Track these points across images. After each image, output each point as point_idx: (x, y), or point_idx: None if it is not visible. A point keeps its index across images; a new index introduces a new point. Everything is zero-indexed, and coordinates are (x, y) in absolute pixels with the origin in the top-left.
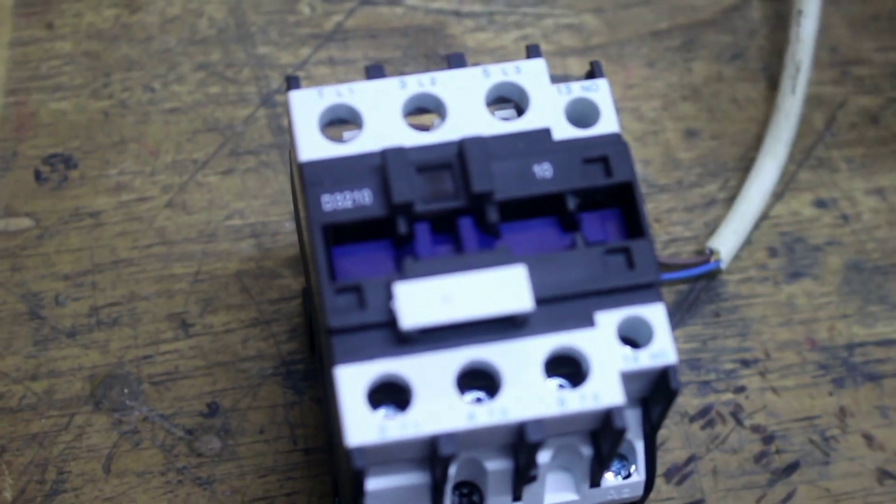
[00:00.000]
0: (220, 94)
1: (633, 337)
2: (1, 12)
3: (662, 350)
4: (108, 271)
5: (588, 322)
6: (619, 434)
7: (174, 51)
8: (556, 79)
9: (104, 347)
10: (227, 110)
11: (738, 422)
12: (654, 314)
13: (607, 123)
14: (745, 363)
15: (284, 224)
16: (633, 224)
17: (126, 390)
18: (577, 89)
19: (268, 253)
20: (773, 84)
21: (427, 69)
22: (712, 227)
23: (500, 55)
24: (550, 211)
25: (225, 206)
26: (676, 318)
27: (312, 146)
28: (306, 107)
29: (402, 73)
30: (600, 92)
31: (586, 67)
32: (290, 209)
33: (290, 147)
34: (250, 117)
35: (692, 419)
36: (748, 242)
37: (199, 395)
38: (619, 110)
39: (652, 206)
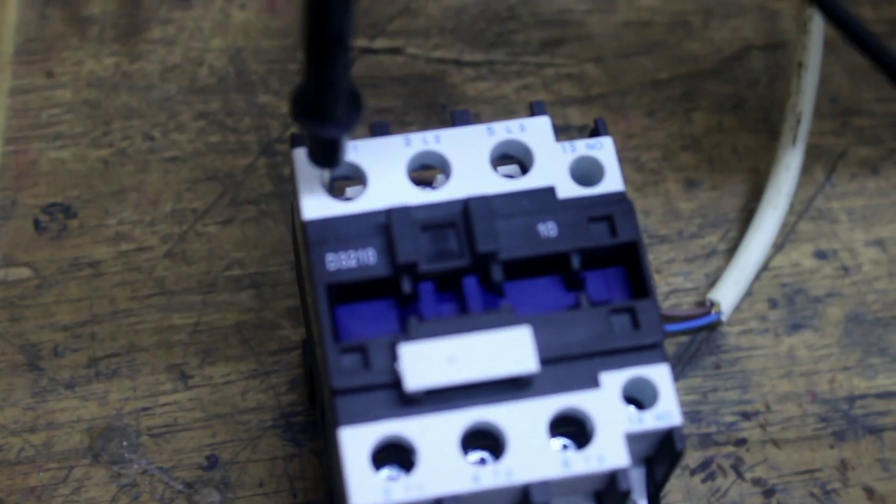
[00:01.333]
0: (220, 142)
1: (637, 397)
2: (0, 60)
3: (667, 411)
4: (107, 322)
5: (593, 383)
6: (624, 496)
7: (174, 99)
8: (556, 129)
9: (103, 399)
10: (227, 159)
11: (739, 475)
12: (659, 375)
13: (612, 182)
14: (746, 415)
15: (284, 274)
16: (638, 283)
17: (125, 443)
18: (582, 147)
19: (267, 303)
20: (773, 134)
21: (428, 118)
22: (713, 279)
23: (501, 104)
24: (555, 270)
25: (224, 256)
26: (677, 370)
27: (316, 204)
28: (310, 165)
29: (402, 122)
30: (605, 150)
31: (587, 117)
32: (289, 259)
33: (293, 202)
34: (250, 166)
35: (693, 472)
36: (748, 294)
37: (199, 448)
38: (619, 160)
39: (652, 257)
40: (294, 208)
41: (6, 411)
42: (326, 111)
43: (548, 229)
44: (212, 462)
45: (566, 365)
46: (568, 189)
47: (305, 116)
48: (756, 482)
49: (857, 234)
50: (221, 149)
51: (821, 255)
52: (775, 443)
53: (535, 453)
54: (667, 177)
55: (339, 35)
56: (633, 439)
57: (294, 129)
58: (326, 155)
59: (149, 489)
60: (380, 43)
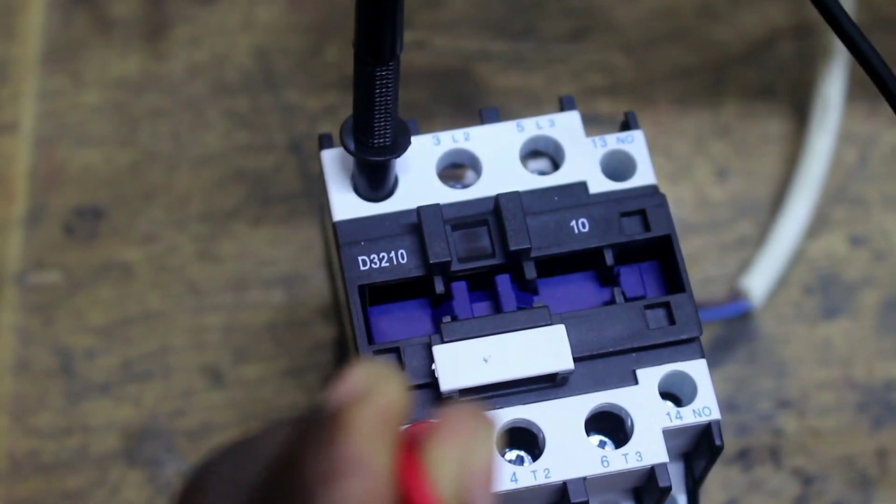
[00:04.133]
0: (247, 141)
1: (675, 393)
2: (27, 64)
3: (706, 406)
4: (139, 323)
5: (629, 379)
6: (664, 492)
7: (201, 99)
8: (584, 119)
9: (137, 401)
10: (255, 158)
11: (778, 464)
12: (697, 370)
13: (644, 176)
14: (783, 404)
15: (315, 272)
16: (673, 277)
17: (160, 444)
18: (613, 142)
19: (299, 302)
20: (803, 120)
21: (455, 111)
22: (746, 267)
23: (528, 95)
24: (588, 266)
25: (255, 255)
26: (712, 359)
27: (347, 205)
28: (340, 165)
29: (430, 115)
30: (636, 144)
31: (615, 106)
32: (319, 257)
33: (323, 203)
34: (278, 165)
35: (730, 463)
36: (783, 281)
37: None
38: (649, 150)
39: (684, 246)
40: (324, 209)
41: (41, 415)
42: (375, 131)
43: (580, 225)
44: None
45: (602, 362)
46: (599, 184)
47: (353, 136)
48: (794, 471)
49: (890, 218)
50: (249, 147)
51: (855, 240)
52: (813, 431)
53: (572, 451)
54: (697, 165)
55: (395, 47)
56: (671, 435)
57: (323, 129)
58: (377, 182)
59: None
60: (406, 36)
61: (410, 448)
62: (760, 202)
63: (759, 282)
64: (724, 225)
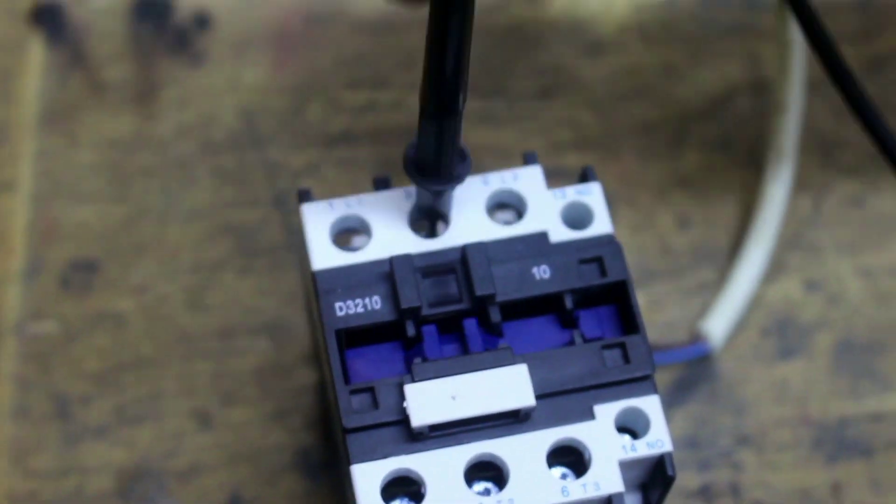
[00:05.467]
0: (234, 197)
1: (630, 427)
2: (25, 126)
3: (659, 439)
4: (132, 370)
5: (588, 415)
6: None
7: (189, 157)
8: (550, 173)
9: (130, 444)
10: (241, 212)
11: (737, 498)
12: (650, 405)
13: (601, 225)
14: (742, 440)
15: (298, 320)
16: (628, 320)
17: (152, 484)
18: (572, 193)
19: (283, 349)
20: (759, 171)
21: None
22: (707, 311)
23: (499, 150)
24: (549, 309)
25: (241, 305)
26: (674, 398)
27: (325, 256)
28: (318, 218)
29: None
30: (593, 195)
31: (582, 160)
32: (302, 306)
33: (303, 254)
34: (263, 219)
35: (692, 496)
36: (741, 324)
37: (222, 487)
38: (614, 200)
39: (648, 291)
40: (303, 259)
41: (39, 457)
42: (443, 170)
43: (541, 272)
44: (235, 500)
45: (562, 398)
46: (560, 233)
47: (421, 176)
48: (755, 503)
49: (843, 263)
50: (235, 203)
51: (810, 285)
52: (771, 466)
53: (535, 482)
54: (660, 214)
55: (458, 102)
56: (628, 466)
57: (305, 184)
58: (431, 213)
59: None
60: (384, 96)
61: None
62: (719, 249)
63: (718, 325)
64: (686, 271)
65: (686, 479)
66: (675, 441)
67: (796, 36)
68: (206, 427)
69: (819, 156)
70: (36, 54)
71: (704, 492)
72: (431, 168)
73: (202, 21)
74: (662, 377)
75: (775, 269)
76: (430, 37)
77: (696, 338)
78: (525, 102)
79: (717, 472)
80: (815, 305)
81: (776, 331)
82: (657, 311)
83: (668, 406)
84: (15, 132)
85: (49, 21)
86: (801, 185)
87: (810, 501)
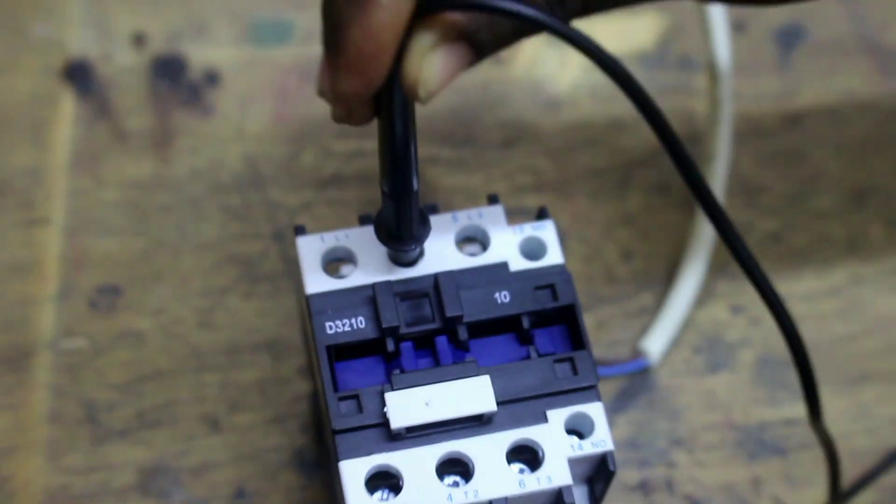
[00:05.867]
0: (239, 231)
1: (578, 429)
2: (57, 169)
3: (602, 440)
4: (150, 381)
5: (541, 418)
6: None
7: (200, 196)
8: (512, 212)
9: (149, 444)
10: (245, 245)
11: (671, 491)
12: (595, 411)
13: (553, 257)
14: (676, 442)
15: (295, 338)
16: (576, 338)
17: (168, 479)
18: (529, 229)
19: (282, 363)
20: (692, 211)
21: None
22: (646, 331)
23: (469, 192)
24: (509, 329)
25: (245, 325)
26: (618, 406)
27: (317, 282)
28: (311, 250)
29: None
30: (547, 231)
31: (539, 201)
32: (298, 326)
33: (298, 281)
34: (264, 250)
35: (633, 490)
36: (675, 343)
37: (229, 482)
38: (567, 235)
39: (596, 314)
40: (298, 285)
41: (70, 456)
42: (404, 236)
43: (502, 296)
44: (240, 493)
45: (519, 405)
46: (518, 263)
47: (389, 239)
48: (685, 497)
49: None
50: (240, 236)
51: (735, 309)
52: (700, 464)
53: (496, 476)
54: (607, 248)
55: (411, 186)
56: (575, 463)
57: (301, 221)
58: (406, 260)
59: None
60: (368, 145)
61: None
62: (657, 278)
63: (656, 343)
64: (628, 297)
65: (627, 476)
66: (617, 442)
67: (725, 94)
68: (215, 430)
69: (743, 198)
70: (67, 106)
71: (643, 486)
72: (395, 234)
73: (212, 78)
74: (608, 387)
75: (705, 295)
76: (380, 139)
77: (637, 354)
78: (491, 151)
79: (653, 470)
80: (739, 326)
81: (706, 348)
82: (604, 331)
83: (612, 413)
84: (49, 174)
85: (79, 77)
86: None
87: (733, 494)
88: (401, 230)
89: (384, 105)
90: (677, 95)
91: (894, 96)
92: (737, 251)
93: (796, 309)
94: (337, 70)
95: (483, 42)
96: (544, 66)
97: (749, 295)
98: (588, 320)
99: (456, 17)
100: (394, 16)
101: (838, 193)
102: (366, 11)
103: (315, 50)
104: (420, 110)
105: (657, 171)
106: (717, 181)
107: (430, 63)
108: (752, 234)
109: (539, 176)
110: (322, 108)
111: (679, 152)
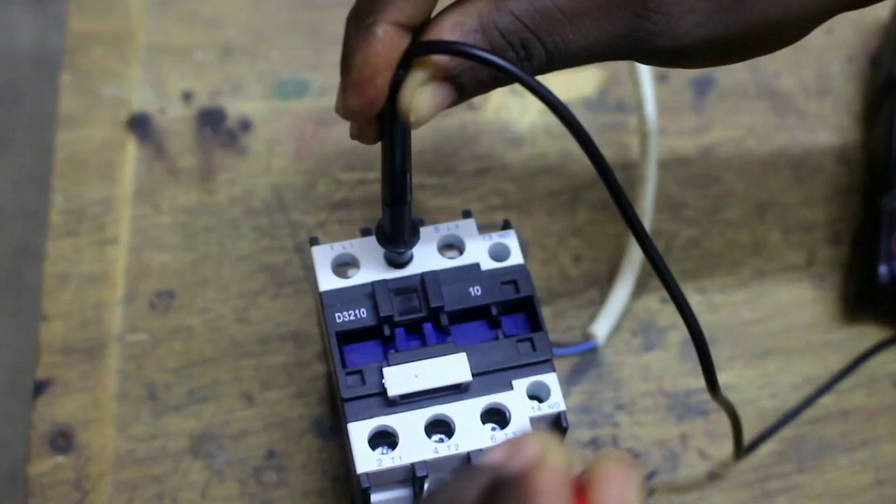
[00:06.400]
0: (268, 245)
1: (537, 395)
2: (124, 199)
3: (556, 402)
4: (198, 366)
5: (508, 387)
6: None
7: (237, 219)
8: (485, 225)
9: (198, 416)
10: (273, 256)
11: (616, 446)
12: (550, 380)
13: (515, 258)
14: (619, 407)
15: (313, 330)
16: (534, 322)
17: (213, 444)
18: (496, 237)
19: (303, 349)
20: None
21: None
22: (594, 319)
23: (450, 211)
24: (481, 316)
25: (274, 320)
26: (572, 379)
27: (328, 281)
28: (324, 256)
29: None
30: (510, 238)
31: (506, 217)
32: (315, 319)
33: (313, 281)
34: (288, 260)
35: (585, 446)
36: (617, 327)
37: (261, 445)
38: (529, 244)
39: (553, 307)
40: (313, 284)
41: (136, 426)
42: (399, 239)
43: (475, 290)
44: (270, 454)
45: (490, 376)
46: (488, 264)
47: (386, 242)
48: (628, 451)
49: (687, 286)
50: (269, 249)
51: (664, 300)
52: (639, 424)
53: (473, 433)
54: (561, 254)
55: (406, 197)
56: (536, 421)
57: (314, 234)
58: (397, 262)
59: (230, 474)
60: (370, 175)
61: (580, 496)
62: (602, 277)
63: (602, 328)
64: (579, 292)
65: (581, 434)
66: (572, 408)
67: (652, 131)
68: (250, 404)
69: (668, 212)
70: (131, 150)
71: (594, 442)
72: (392, 238)
73: (245, 125)
74: (564, 364)
75: (640, 290)
76: (383, 158)
77: (587, 337)
78: (467, 178)
79: (602, 429)
80: (667, 314)
81: (641, 332)
82: (560, 320)
83: (568, 385)
84: (117, 204)
85: (140, 127)
86: (656, 232)
87: (665, 448)
88: (396, 235)
89: (386, 130)
90: (615, 132)
91: (785, 130)
92: (651, 258)
93: (714, 299)
94: (345, 89)
95: (465, 85)
96: (508, 111)
97: None
98: (546, 311)
99: (445, 60)
100: (388, 48)
101: (744, 207)
102: (367, 42)
103: (326, 102)
104: (412, 147)
105: (600, 192)
106: (647, 199)
107: (420, 96)
108: (676, 240)
109: (506, 197)
110: (332, 146)
111: (609, 178)
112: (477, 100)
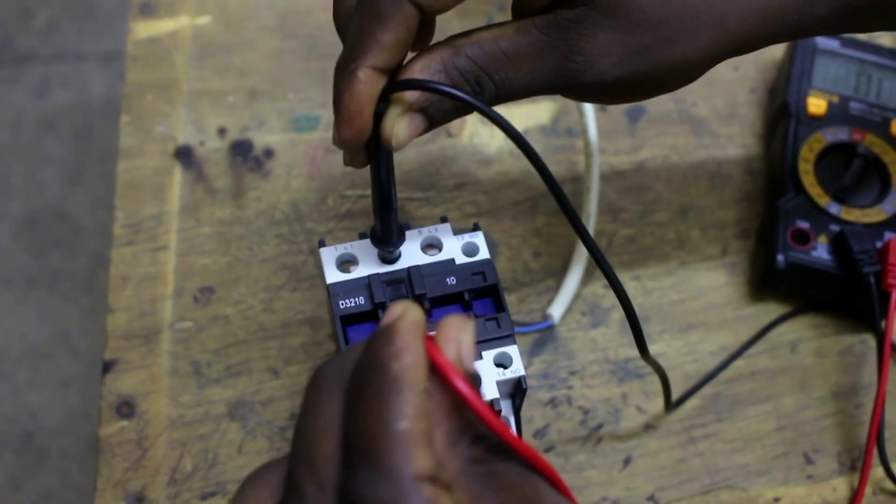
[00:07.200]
0: (288, 249)
1: (502, 363)
2: (172, 215)
3: (517, 369)
4: (234, 347)
5: (478, 357)
6: (498, 412)
7: (263, 229)
8: (458, 231)
9: (234, 387)
10: (292, 258)
11: (570, 404)
12: (512, 351)
13: (483, 254)
14: (572, 373)
15: (325, 317)
16: (499, 305)
17: (247, 409)
18: (467, 237)
19: (317, 332)
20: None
21: None
22: (551, 302)
23: (434, 219)
24: (457, 301)
25: (294, 309)
26: (533, 352)
27: (334, 275)
28: (330, 256)
29: None
30: (479, 238)
31: (479, 222)
32: (326, 308)
33: (322, 275)
34: (304, 261)
35: (545, 405)
36: (570, 309)
37: (286, 409)
38: (497, 244)
39: (517, 294)
40: (322, 279)
41: (184, 396)
42: (388, 240)
43: (451, 280)
44: (293, 416)
45: None
46: (461, 259)
47: (378, 243)
48: (580, 408)
49: (624, 275)
50: (289, 252)
51: (606, 287)
52: (588, 386)
53: None
54: (524, 251)
55: (391, 205)
56: (501, 384)
57: (323, 239)
58: (388, 259)
59: (261, 433)
60: (369, 191)
61: (430, 340)
62: (557, 269)
63: (557, 310)
64: (539, 282)
65: (541, 396)
66: (533, 375)
67: (595, 150)
68: (276, 377)
69: (609, 215)
70: (177, 175)
71: (552, 402)
72: (383, 239)
73: (268, 153)
74: (526, 340)
75: (588, 278)
76: (372, 178)
77: (545, 318)
78: (447, 192)
79: (558, 391)
80: (610, 297)
81: (589, 312)
82: (523, 304)
83: (530, 356)
84: (167, 218)
85: (184, 156)
86: (600, 232)
87: (610, 405)
88: (386, 237)
89: (373, 154)
90: (565, 152)
91: (702, 148)
92: (592, 252)
93: (647, 285)
94: (338, 124)
95: (433, 115)
96: (480, 136)
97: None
98: (512, 297)
99: (416, 95)
100: (368, 87)
101: (670, 211)
102: (351, 84)
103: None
104: (400, 168)
105: (555, 201)
106: (592, 205)
107: (398, 125)
108: (616, 237)
109: (479, 207)
110: (339, 168)
111: (556, 189)
112: (454, 128)
